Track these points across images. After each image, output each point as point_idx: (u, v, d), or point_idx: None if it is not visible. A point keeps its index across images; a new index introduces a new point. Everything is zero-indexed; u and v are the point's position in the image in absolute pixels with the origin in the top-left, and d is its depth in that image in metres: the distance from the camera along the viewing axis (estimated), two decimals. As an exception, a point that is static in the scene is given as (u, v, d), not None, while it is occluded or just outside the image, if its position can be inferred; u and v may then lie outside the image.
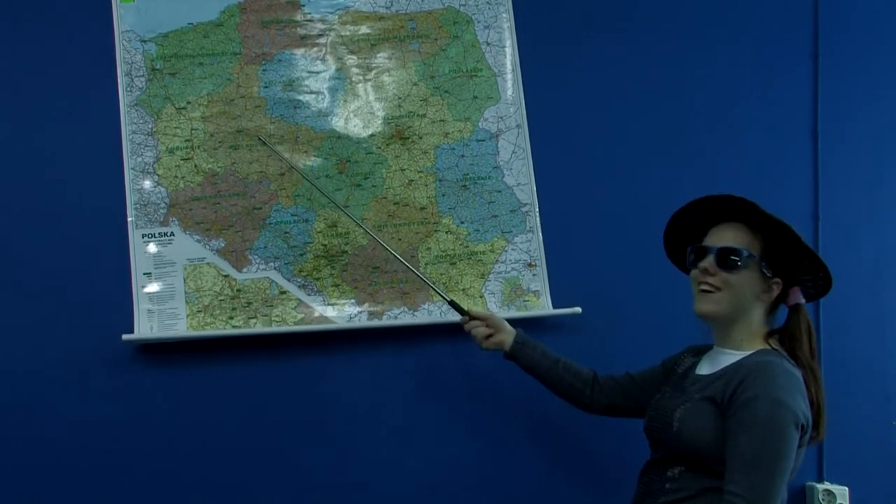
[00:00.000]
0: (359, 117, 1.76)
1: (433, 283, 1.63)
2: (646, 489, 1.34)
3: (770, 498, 1.13)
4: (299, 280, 1.70)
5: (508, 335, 1.55)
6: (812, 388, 1.24)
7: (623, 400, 1.51)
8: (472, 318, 1.57)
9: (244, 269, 1.68)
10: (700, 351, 1.41)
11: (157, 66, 1.68)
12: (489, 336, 1.55)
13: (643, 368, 1.52)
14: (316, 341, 1.70)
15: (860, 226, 2.00)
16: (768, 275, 1.29)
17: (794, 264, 1.30)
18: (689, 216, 1.39)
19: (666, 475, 1.28)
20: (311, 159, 1.72)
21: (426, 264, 1.75)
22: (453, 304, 1.59)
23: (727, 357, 1.30)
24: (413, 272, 1.62)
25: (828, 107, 1.99)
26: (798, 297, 1.32)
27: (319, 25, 1.76)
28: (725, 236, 1.30)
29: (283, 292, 1.69)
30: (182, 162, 1.67)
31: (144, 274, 1.64)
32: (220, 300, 1.66)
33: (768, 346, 1.28)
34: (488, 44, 1.83)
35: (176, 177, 1.67)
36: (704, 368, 1.34)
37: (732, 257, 1.27)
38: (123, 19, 1.67)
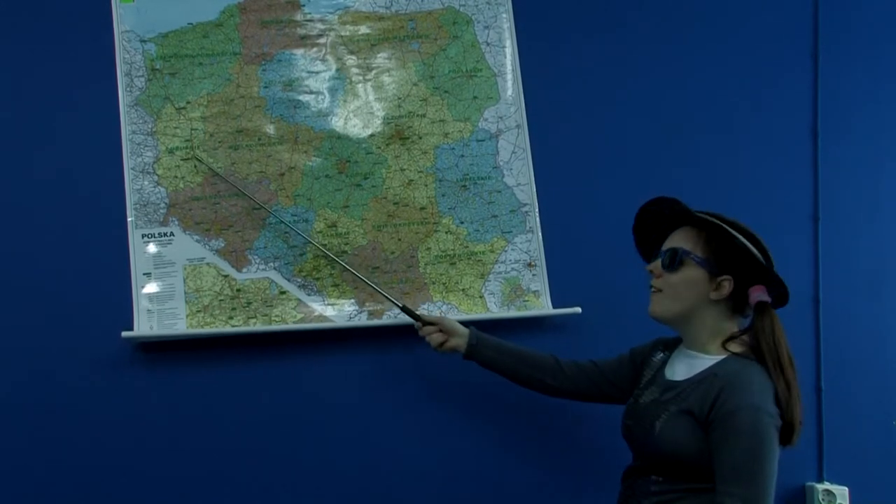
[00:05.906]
0: (359, 117, 1.75)
1: (381, 289, 1.63)
2: (630, 492, 1.35)
3: (765, 503, 1.16)
4: (299, 280, 1.70)
5: (462, 338, 1.55)
6: (781, 394, 1.21)
7: (588, 387, 1.52)
8: (425, 323, 1.58)
9: (244, 269, 1.68)
10: (669, 345, 1.42)
11: (157, 66, 1.68)
12: (443, 342, 1.56)
13: (609, 358, 1.53)
14: (316, 341, 1.70)
15: (860, 226, 1.99)
16: (715, 273, 1.28)
17: (740, 261, 1.27)
18: (653, 223, 1.40)
19: (651, 478, 1.29)
20: (311, 159, 1.72)
21: (426, 264, 1.75)
22: (406, 310, 1.60)
23: (699, 361, 1.30)
24: (362, 279, 1.63)
25: (828, 107, 1.98)
26: (759, 295, 1.27)
27: (319, 25, 1.76)
28: (674, 239, 1.34)
29: (283, 292, 1.69)
30: (182, 162, 1.67)
31: (144, 274, 1.64)
32: (220, 300, 1.66)
33: (734, 352, 1.27)
34: (488, 44, 1.83)
35: (175, 177, 1.67)
36: (678, 373, 1.33)
37: (672, 257, 1.31)
38: (123, 19, 1.67)
